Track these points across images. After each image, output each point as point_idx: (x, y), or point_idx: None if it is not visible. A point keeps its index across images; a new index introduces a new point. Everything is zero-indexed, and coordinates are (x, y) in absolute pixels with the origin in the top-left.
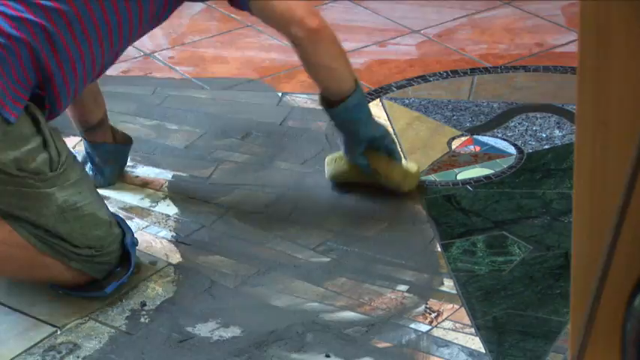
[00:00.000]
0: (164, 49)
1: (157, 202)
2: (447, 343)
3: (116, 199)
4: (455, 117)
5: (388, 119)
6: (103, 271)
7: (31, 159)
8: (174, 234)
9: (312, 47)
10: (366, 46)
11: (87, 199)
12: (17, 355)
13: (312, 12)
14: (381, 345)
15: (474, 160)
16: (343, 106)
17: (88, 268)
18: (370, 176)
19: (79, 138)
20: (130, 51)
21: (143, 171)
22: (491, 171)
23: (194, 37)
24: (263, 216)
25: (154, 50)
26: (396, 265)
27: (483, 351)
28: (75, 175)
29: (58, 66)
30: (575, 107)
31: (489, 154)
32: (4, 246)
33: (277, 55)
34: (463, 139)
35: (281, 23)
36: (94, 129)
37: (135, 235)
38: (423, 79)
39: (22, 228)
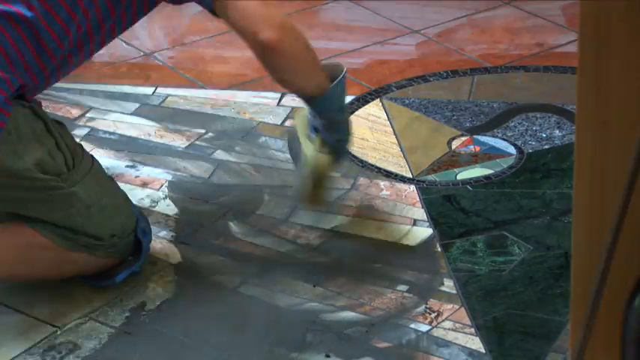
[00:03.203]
0: (164, 49)
1: (157, 202)
2: (447, 343)
3: None
4: (455, 117)
5: (388, 119)
6: (128, 252)
7: (51, 160)
8: (174, 234)
9: (267, 63)
10: (366, 46)
11: (104, 187)
12: (17, 355)
13: (269, 22)
14: (381, 345)
15: (474, 160)
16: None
17: (113, 254)
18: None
19: (78, 138)
20: (130, 51)
21: (143, 171)
22: (491, 171)
23: (194, 37)
24: (263, 216)
25: (153, 50)
26: (396, 265)
27: (483, 351)
28: (87, 164)
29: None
30: (575, 107)
31: (489, 154)
32: (30, 250)
33: None
34: (463, 139)
35: (238, 32)
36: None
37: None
38: (423, 79)
39: (45, 229)
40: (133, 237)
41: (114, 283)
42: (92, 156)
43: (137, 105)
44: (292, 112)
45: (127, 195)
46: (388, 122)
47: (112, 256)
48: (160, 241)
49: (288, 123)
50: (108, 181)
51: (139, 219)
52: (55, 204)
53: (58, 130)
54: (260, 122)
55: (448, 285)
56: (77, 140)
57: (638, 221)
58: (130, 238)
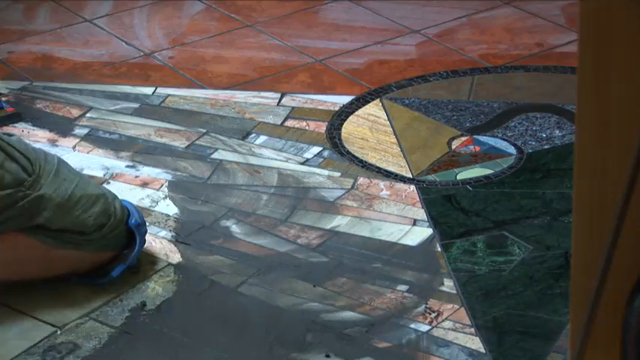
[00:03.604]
0: (164, 49)
1: (157, 202)
2: (447, 343)
3: None
4: (455, 117)
5: (388, 119)
6: (120, 245)
7: (6, 173)
8: (174, 234)
9: None
10: (366, 46)
11: (72, 182)
12: (17, 355)
13: None
14: (381, 345)
15: (474, 160)
16: None
17: (104, 247)
18: None
19: (78, 138)
20: (130, 51)
21: (143, 171)
22: (491, 171)
23: (194, 37)
24: (263, 216)
25: (153, 50)
26: (396, 265)
27: (483, 351)
28: (50, 166)
29: None
30: (575, 107)
31: (489, 154)
32: (16, 251)
33: (277, 55)
34: (463, 139)
35: None
36: None
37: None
38: (423, 79)
39: (29, 231)
40: (123, 228)
41: (110, 278)
42: (57, 156)
43: (137, 105)
44: (292, 112)
45: (99, 185)
46: (388, 122)
47: (103, 249)
48: (160, 241)
49: (288, 123)
50: (76, 175)
51: (132, 212)
52: (28, 212)
53: (5, 140)
54: (260, 122)
55: (448, 285)
56: (77, 139)
57: (638, 221)
58: (119, 229)
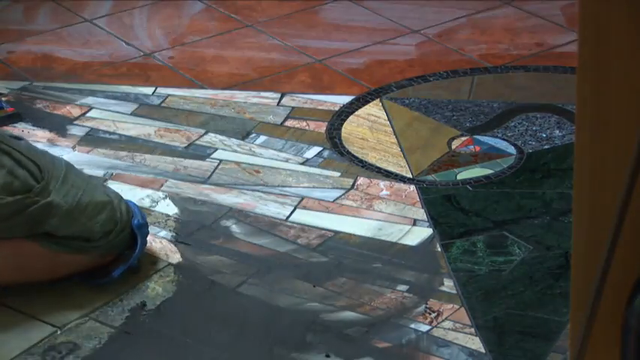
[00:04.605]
0: (164, 49)
1: (157, 202)
2: (447, 343)
3: None
4: (455, 117)
5: (388, 119)
6: (124, 247)
7: (14, 179)
8: (174, 234)
9: None
10: (366, 46)
11: (80, 188)
12: (17, 355)
13: None
14: (381, 345)
15: (473, 160)
16: None
17: (109, 249)
18: None
19: (78, 138)
20: (130, 51)
21: (143, 171)
22: (491, 171)
23: (194, 37)
24: (263, 216)
25: (153, 50)
26: (396, 265)
27: (483, 351)
28: (57, 171)
29: None
30: (575, 107)
31: (489, 154)
32: (22, 257)
33: (277, 55)
34: (463, 139)
35: None
36: None
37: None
38: (423, 79)
39: (36, 237)
40: (128, 231)
41: (112, 278)
42: (66, 161)
43: (137, 105)
44: (292, 112)
45: (108, 189)
46: (388, 122)
47: (107, 252)
48: (160, 241)
49: (288, 123)
50: (83, 180)
51: (135, 212)
52: (36, 219)
53: (14, 146)
54: (260, 122)
55: (448, 285)
56: (77, 139)
57: (638, 221)
58: (124, 233)
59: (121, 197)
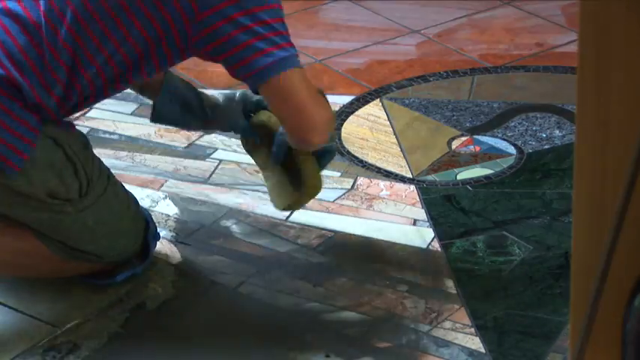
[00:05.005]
0: None
1: (157, 202)
2: (447, 343)
3: None
4: (455, 117)
5: (388, 119)
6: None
7: (63, 187)
8: (174, 234)
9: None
10: (366, 46)
11: (113, 211)
12: (17, 355)
13: (321, 129)
14: (381, 345)
15: (474, 160)
16: None
17: (115, 262)
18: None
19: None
20: None
21: (143, 171)
22: (491, 171)
23: None
24: (263, 216)
25: None
26: (395, 265)
27: (483, 351)
28: (100, 188)
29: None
30: (575, 107)
31: (489, 154)
32: (30, 258)
33: None
34: (463, 139)
35: (280, 118)
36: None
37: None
38: (423, 79)
39: (49, 243)
40: (139, 246)
41: (114, 281)
42: (110, 175)
43: (137, 105)
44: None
45: (137, 214)
46: (388, 122)
47: (114, 263)
48: (160, 241)
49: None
50: (119, 203)
51: (149, 223)
52: (59, 225)
53: (79, 155)
54: None
55: (448, 285)
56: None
57: (638, 221)
58: (135, 247)
59: (147, 217)
